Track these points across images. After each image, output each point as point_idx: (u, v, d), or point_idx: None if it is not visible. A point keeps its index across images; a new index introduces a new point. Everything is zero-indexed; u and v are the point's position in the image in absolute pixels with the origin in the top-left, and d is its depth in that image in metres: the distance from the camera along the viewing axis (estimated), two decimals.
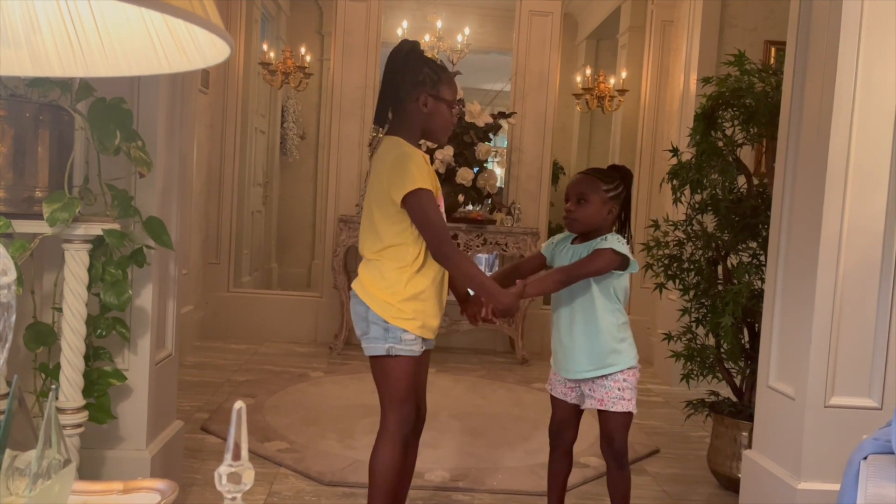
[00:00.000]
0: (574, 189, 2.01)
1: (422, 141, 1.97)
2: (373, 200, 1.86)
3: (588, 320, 1.99)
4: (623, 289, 2.01)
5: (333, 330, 4.81)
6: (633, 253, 2.01)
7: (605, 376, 1.99)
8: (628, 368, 2.00)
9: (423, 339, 1.90)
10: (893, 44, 2.08)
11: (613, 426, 2.02)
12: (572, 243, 2.07)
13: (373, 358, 1.90)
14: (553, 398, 2.12)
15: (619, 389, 1.99)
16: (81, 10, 0.95)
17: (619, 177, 2.04)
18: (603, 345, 1.98)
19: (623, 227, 2.06)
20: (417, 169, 1.80)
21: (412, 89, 1.85)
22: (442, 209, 1.89)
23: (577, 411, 2.10)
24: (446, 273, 1.92)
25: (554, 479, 2.16)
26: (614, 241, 1.96)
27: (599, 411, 2.02)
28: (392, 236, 1.84)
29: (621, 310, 2.02)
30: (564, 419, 2.11)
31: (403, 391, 1.87)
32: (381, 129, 1.94)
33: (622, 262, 1.96)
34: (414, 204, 1.79)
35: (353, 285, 1.93)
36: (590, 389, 2.02)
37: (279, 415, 3.30)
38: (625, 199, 2.04)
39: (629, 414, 2.01)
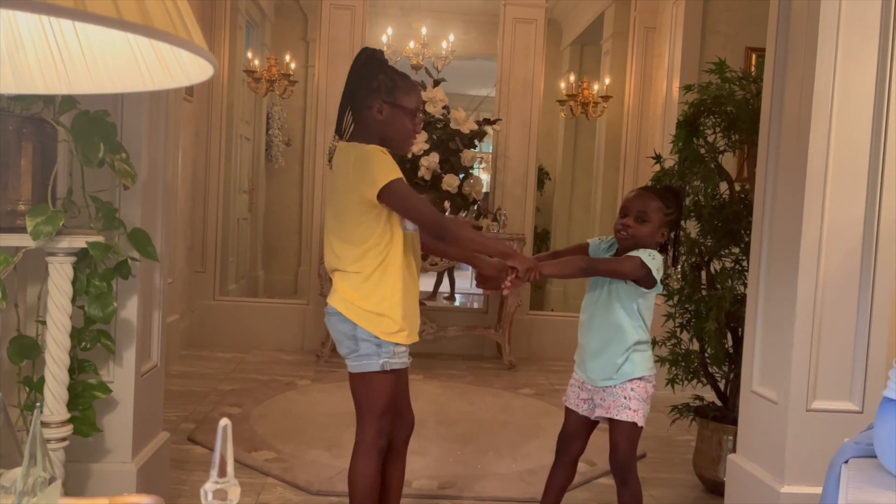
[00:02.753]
0: (636, 205, 1.98)
1: None
2: (342, 209, 1.81)
3: (607, 332, 1.99)
4: (648, 308, 2.01)
5: (320, 337, 4.80)
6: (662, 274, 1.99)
7: (615, 385, 1.99)
8: (638, 378, 1.98)
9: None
10: (870, 51, 2.12)
11: (617, 436, 1.99)
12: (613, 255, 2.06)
13: (356, 374, 1.87)
14: (567, 408, 2.12)
15: (624, 398, 1.98)
16: (65, 28, 0.95)
17: (676, 202, 2.04)
18: (616, 357, 1.98)
19: (665, 248, 2.04)
20: (381, 161, 1.75)
21: (367, 96, 1.81)
22: None
23: (587, 424, 2.10)
24: (416, 262, 1.89)
25: (552, 487, 2.15)
26: (645, 254, 1.94)
27: (609, 423, 2.02)
28: (376, 237, 1.80)
29: (643, 327, 2.00)
30: (574, 430, 2.11)
31: (386, 404, 1.86)
32: (337, 138, 1.89)
33: (647, 277, 1.94)
34: (390, 195, 1.75)
35: (332, 301, 1.87)
36: (601, 399, 2.02)
37: (266, 424, 3.30)
38: (675, 223, 2.04)
39: (635, 426, 1.98)
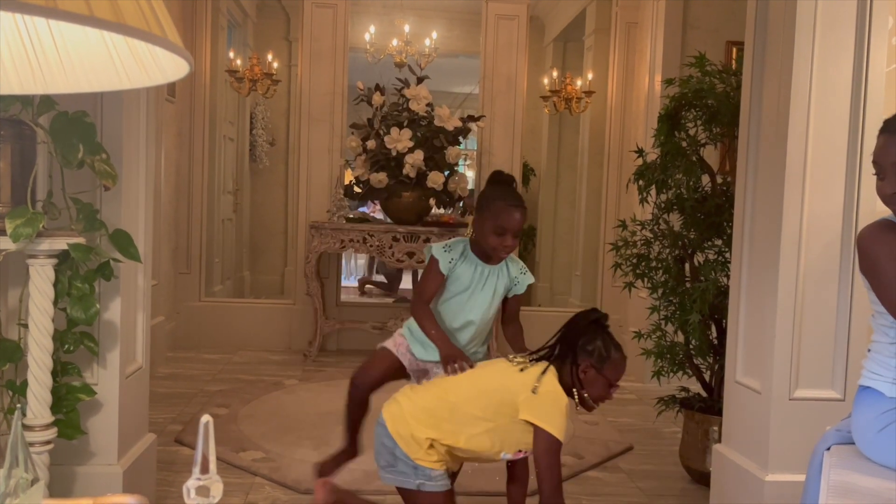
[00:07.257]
0: (518, 225, 2.08)
1: None
2: (483, 397, 1.91)
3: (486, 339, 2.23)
4: None
5: (307, 337, 4.79)
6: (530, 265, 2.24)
7: None
8: None
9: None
10: (847, 44, 2.14)
11: None
12: (480, 259, 2.16)
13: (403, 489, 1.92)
14: None
15: None
16: (40, 28, 0.95)
17: None
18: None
19: None
20: (561, 416, 1.86)
21: (579, 353, 1.92)
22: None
23: None
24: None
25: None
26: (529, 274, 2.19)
27: None
28: (470, 420, 1.88)
29: None
30: None
31: None
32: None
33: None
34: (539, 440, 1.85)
35: (385, 412, 1.92)
36: None
37: (254, 424, 3.29)
38: None
39: None
